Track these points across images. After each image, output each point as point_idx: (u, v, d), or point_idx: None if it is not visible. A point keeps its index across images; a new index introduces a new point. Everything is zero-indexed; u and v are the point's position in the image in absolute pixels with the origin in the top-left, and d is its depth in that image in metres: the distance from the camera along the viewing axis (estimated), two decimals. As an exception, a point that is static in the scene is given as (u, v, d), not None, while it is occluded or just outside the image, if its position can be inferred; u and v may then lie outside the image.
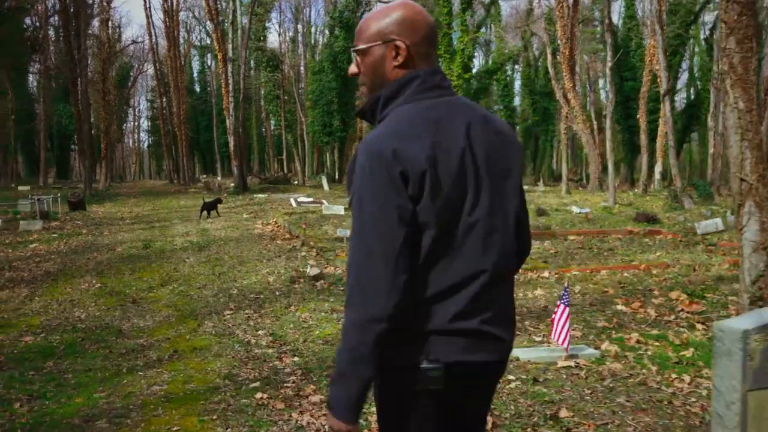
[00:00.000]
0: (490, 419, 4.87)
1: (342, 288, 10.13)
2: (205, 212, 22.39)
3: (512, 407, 5.12)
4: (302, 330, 7.69)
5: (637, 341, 6.88)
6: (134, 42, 64.79)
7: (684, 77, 57.18)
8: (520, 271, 11.06)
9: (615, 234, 16.44)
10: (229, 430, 4.85)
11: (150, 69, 72.39)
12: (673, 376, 5.83)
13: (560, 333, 6.22)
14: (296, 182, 48.95)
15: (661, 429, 4.74)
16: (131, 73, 73.53)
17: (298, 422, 4.93)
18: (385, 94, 2.12)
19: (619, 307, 8.45)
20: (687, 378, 5.76)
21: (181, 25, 64.21)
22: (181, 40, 65.04)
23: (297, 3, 63.22)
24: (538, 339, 7.12)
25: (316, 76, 50.18)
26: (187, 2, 67.83)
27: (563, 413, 4.97)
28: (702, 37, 54.01)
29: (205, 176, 63.13)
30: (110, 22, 54.18)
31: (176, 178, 58.67)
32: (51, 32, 52.82)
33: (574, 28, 35.87)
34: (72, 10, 38.20)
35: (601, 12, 40.80)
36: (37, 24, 48.19)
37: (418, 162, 1.93)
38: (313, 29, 67.30)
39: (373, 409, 3.72)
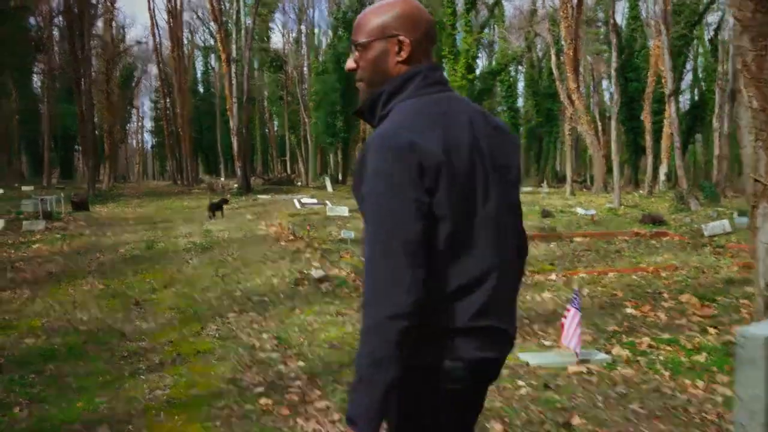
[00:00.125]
0: (500, 426, 4.77)
1: (347, 290, 10.02)
2: (214, 212, 22.52)
3: (523, 414, 5.00)
4: (307, 333, 7.57)
5: (649, 345, 6.75)
6: (138, 42, 65.03)
7: (688, 78, 57.00)
8: (527, 273, 11.00)
9: (621, 236, 16.31)
10: (233, 437, 4.74)
11: (154, 69, 72.62)
12: (687, 381, 5.70)
13: (571, 337, 6.10)
14: (300, 183, 48.93)
15: (677, 437, 4.63)
16: (135, 74, 73.72)
17: (304, 429, 4.82)
18: (388, 90, 2.10)
19: (629, 310, 8.32)
20: (701, 384, 5.63)
21: (185, 26, 64.31)
22: (185, 41, 65.07)
23: (300, 4, 63.04)
24: (548, 344, 6.99)
25: (320, 77, 50.09)
26: (191, 3, 67.94)
27: (576, 420, 4.85)
28: (706, 37, 53.83)
29: (208, 177, 63.14)
30: (114, 23, 54.37)
31: (179, 178, 58.67)
32: (55, 32, 52.74)
33: (578, 28, 35.80)
34: (76, 10, 38.20)
35: (606, 13, 40.73)
36: (41, 24, 48.13)
37: (434, 154, 1.91)
38: (316, 30, 67.28)
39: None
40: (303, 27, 65.16)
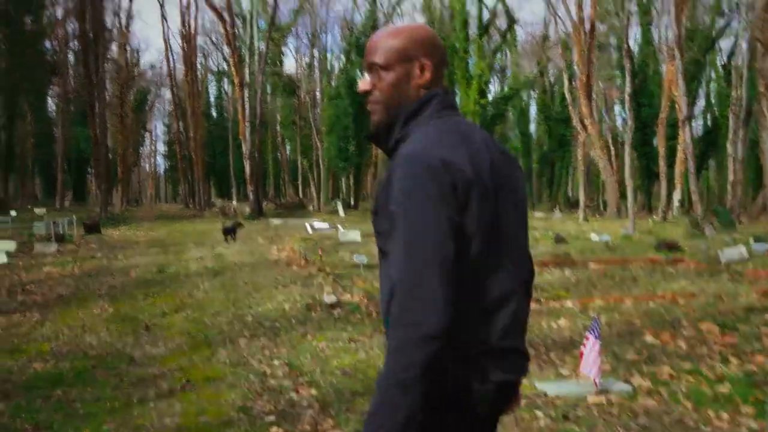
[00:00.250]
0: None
1: (359, 316, 9.89)
2: (229, 235, 22.65)
3: (543, 446, 4.84)
4: (319, 360, 7.43)
5: (670, 375, 6.58)
6: (152, 67, 65.67)
7: (700, 104, 56.86)
8: (542, 300, 10.84)
9: (637, 262, 16.12)
10: (243, 468, 4.60)
11: (167, 94, 73.06)
12: (711, 413, 5.52)
13: (591, 366, 5.94)
14: (311, 208, 48.93)
15: (704, 472, 4.45)
16: (148, 98, 74.25)
17: (317, 460, 4.68)
18: (406, 112, 2.08)
19: (648, 338, 8.13)
20: (726, 416, 5.46)
21: (199, 51, 64.78)
22: (199, 65, 65.52)
23: (313, 29, 63.41)
24: (566, 372, 6.82)
25: (333, 101, 50.25)
26: (205, 28, 68.48)
27: (597, 454, 4.69)
28: (719, 63, 53.75)
29: (220, 201, 63.23)
30: (128, 47, 54.85)
31: (192, 202, 58.82)
32: (70, 56, 53.24)
33: (591, 54, 35.80)
34: (91, 34, 38.51)
35: (618, 38, 40.72)
36: (57, 48, 48.58)
37: (465, 173, 1.91)
38: (329, 55, 67.63)
39: None
40: (316, 52, 65.54)
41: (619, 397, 5.96)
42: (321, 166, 55.46)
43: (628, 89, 28.12)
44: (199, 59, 67.80)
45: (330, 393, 6.23)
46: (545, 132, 62.14)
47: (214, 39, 70.70)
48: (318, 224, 27.86)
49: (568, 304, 10.68)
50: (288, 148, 74.71)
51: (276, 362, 7.38)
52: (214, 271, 15.16)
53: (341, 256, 16.76)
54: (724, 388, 6.14)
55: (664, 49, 46.21)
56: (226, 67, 69.40)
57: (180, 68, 61.02)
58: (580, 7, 35.45)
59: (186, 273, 15.11)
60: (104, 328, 9.40)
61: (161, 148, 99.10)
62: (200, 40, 64.66)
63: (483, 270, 1.96)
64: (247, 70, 39.96)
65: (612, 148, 45.28)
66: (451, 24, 48.87)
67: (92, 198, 68.55)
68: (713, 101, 56.71)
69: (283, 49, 57.95)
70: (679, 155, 36.96)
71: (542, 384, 6.27)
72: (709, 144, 49.46)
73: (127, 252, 19.73)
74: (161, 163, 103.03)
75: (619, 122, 61.95)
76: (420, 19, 56.59)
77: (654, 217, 37.26)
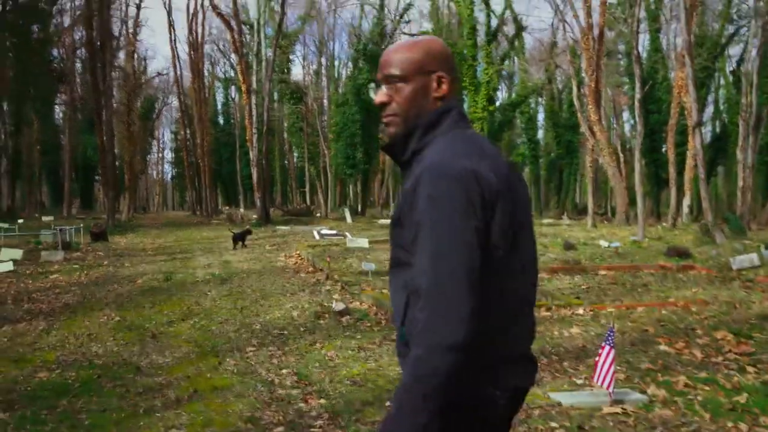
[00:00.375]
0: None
1: (368, 324, 9.78)
2: (238, 242, 22.70)
3: (558, 459, 4.72)
4: (328, 369, 7.31)
5: (686, 385, 6.44)
6: (159, 74, 65.64)
7: (709, 110, 56.56)
8: (553, 307, 10.71)
9: (647, 269, 15.96)
10: (251, 481, 4.49)
11: (174, 101, 73.21)
12: (729, 424, 5.39)
13: (605, 376, 5.81)
14: (319, 215, 48.80)
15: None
16: (156, 105, 74.33)
17: (326, 473, 4.56)
18: (425, 124, 2.10)
19: (662, 347, 8.00)
20: (744, 427, 5.33)
21: (206, 58, 64.90)
22: (206, 73, 65.57)
23: (321, 36, 63.48)
24: (579, 382, 6.70)
25: (340, 108, 50.19)
26: (212, 35, 68.48)
27: (615, 467, 4.56)
28: (728, 69, 53.53)
29: (227, 208, 63.26)
30: (136, 55, 54.81)
31: (199, 209, 58.85)
32: (77, 64, 53.32)
33: (599, 60, 35.66)
34: (98, 42, 38.53)
35: (627, 44, 40.59)
36: (64, 56, 48.66)
37: (492, 183, 1.93)
38: (336, 62, 67.57)
39: None
40: (323, 59, 65.61)
41: (635, 407, 5.84)
42: (328, 173, 55.43)
43: (637, 95, 27.92)
44: (207, 66, 67.99)
45: (339, 403, 6.13)
46: (553, 138, 61.91)
47: (221, 46, 71.00)
48: (326, 231, 27.77)
49: (580, 311, 10.56)
50: (295, 155, 74.65)
51: (284, 371, 7.27)
52: (222, 279, 15.07)
53: (349, 263, 16.64)
54: (742, 399, 6.01)
55: (673, 55, 46.06)
56: (233, 74, 69.58)
57: (187, 75, 61.11)
58: (588, 13, 35.32)
59: (193, 280, 15.02)
60: (110, 337, 9.31)
61: (168, 155, 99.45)
62: (207, 47, 64.77)
63: (504, 279, 1.99)
64: (254, 78, 40.04)
65: (621, 155, 45.09)
66: (458, 31, 48.82)
67: (99, 205, 68.67)
68: (722, 108, 56.45)
69: (291, 56, 57.82)
70: (689, 162, 36.73)
71: (556, 394, 6.15)
72: (718, 151, 49.22)
73: (134, 260, 19.66)
74: (168, 171, 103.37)
75: (626, 129, 61.90)
76: (427, 26, 56.64)
77: (663, 223, 37.04)
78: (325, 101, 62.11)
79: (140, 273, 16.36)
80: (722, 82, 56.46)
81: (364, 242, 20.73)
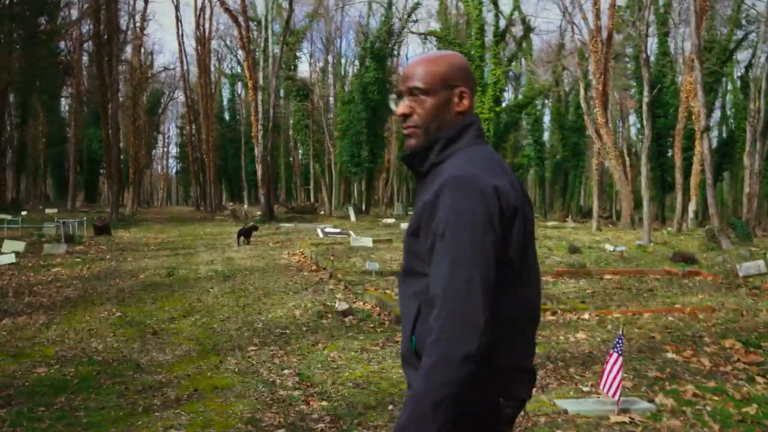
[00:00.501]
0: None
1: (372, 325, 9.68)
2: (242, 238, 22.56)
3: (565, 469, 4.61)
4: (330, 371, 7.21)
5: (694, 394, 6.32)
6: (166, 69, 65.45)
7: (716, 115, 56.35)
8: (559, 312, 10.60)
9: (653, 274, 15.85)
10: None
11: (180, 96, 73.15)
12: (739, 436, 5.29)
13: (611, 384, 5.70)
14: (323, 212, 48.69)
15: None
16: (162, 100, 74.28)
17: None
18: (446, 137, 2.13)
19: (670, 355, 7.88)
20: (754, 439, 5.22)
21: (213, 54, 64.66)
22: (212, 68, 65.38)
23: (328, 34, 63.29)
24: (586, 389, 6.58)
25: (346, 106, 50.01)
26: (219, 31, 68.34)
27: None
28: (736, 75, 53.31)
29: (231, 204, 63.15)
30: (143, 49, 54.74)
31: (203, 205, 58.76)
32: (84, 57, 53.23)
33: (607, 63, 35.49)
34: (105, 36, 38.45)
35: (635, 47, 40.36)
36: (71, 49, 48.58)
37: (511, 199, 1.98)
38: (343, 60, 67.41)
39: None
40: (330, 56, 65.43)
41: (643, 416, 5.72)
42: (333, 171, 55.27)
43: (645, 98, 27.68)
44: (213, 62, 67.79)
45: (341, 406, 6.03)
46: (559, 141, 61.67)
47: (228, 42, 70.80)
48: (329, 229, 27.63)
49: (585, 316, 10.45)
50: (300, 152, 74.44)
51: (286, 372, 7.17)
52: (224, 276, 14.98)
53: (353, 262, 16.53)
54: (751, 410, 5.90)
55: (681, 59, 45.86)
56: (239, 70, 69.36)
57: (194, 71, 61.03)
58: (597, 16, 35.14)
59: (195, 277, 14.93)
60: (111, 333, 9.22)
61: (173, 150, 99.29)
62: (215, 43, 64.58)
63: (516, 292, 2.03)
64: (261, 74, 39.75)
65: (628, 158, 44.90)
66: (466, 31, 48.63)
67: (104, 199, 68.63)
68: (729, 113, 56.22)
69: (298, 53, 57.59)
70: (695, 166, 36.59)
71: (562, 401, 6.04)
72: (725, 156, 49.00)
73: (136, 254, 19.57)
74: (173, 165, 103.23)
75: (633, 132, 61.68)
76: (435, 25, 56.42)
77: (668, 228, 36.88)
78: (332, 99, 61.94)
79: (143, 268, 16.27)
80: (730, 87, 56.27)
81: (368, 241, 20.62)
